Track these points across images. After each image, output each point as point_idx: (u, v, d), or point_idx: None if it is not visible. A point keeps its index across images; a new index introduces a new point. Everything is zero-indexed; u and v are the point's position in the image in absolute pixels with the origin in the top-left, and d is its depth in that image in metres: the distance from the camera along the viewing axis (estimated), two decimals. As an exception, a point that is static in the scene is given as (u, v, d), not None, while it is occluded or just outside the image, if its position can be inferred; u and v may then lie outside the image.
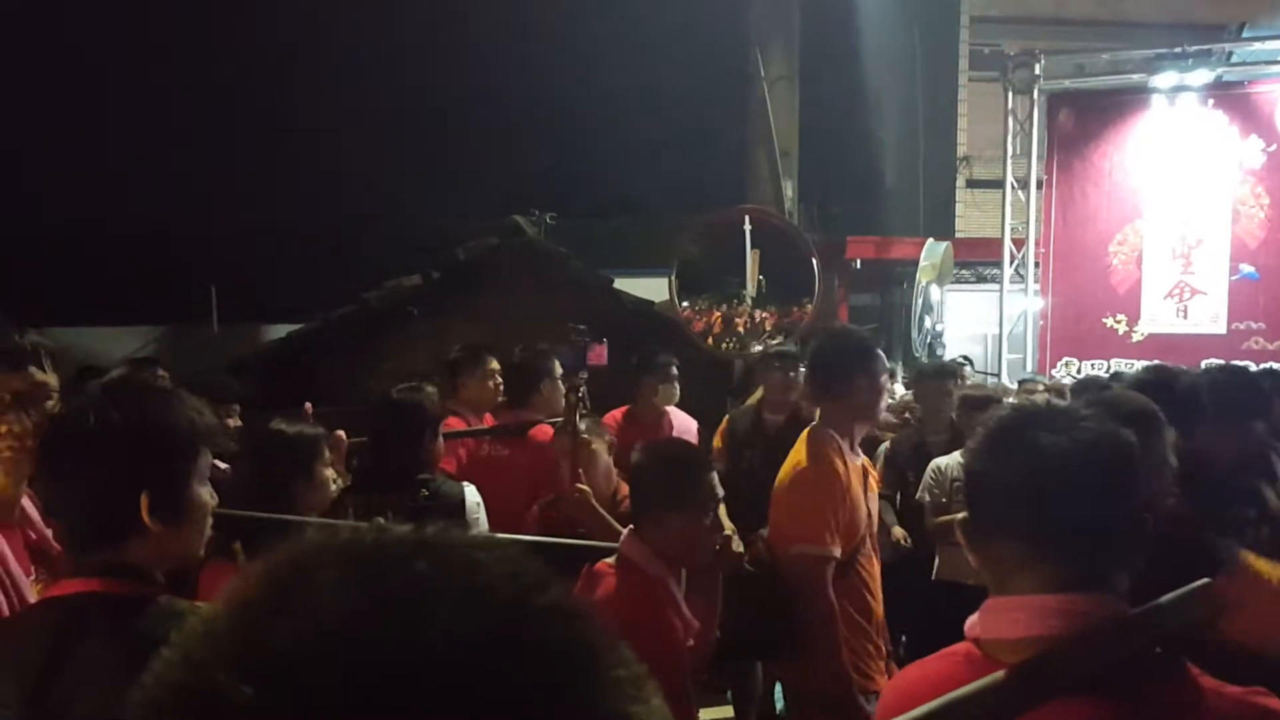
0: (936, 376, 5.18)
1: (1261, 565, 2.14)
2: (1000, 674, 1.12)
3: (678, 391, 5.34)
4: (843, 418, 3.14)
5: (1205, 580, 1.21)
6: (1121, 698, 1.15)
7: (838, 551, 2.95)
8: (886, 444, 5.05)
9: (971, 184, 12.76)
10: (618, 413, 5.26)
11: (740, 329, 8.07)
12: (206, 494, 1.56)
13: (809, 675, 2.99)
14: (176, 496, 1.50)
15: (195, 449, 1.54)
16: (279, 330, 8.69)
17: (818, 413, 3.25)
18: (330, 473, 2.89)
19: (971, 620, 1.29)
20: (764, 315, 8.13)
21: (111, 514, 1.45)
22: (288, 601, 0.45)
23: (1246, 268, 8.01)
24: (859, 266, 11.28)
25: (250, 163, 12.00)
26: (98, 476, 1.45)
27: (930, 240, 9.77)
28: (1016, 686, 1.11)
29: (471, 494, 3.34)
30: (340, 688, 0.42)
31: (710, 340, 8.04)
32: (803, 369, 4.62)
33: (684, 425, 5.27)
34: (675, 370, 5.32)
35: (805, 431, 3.21)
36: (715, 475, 2.63)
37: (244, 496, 2.54)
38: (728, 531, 2.84)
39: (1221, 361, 8.17)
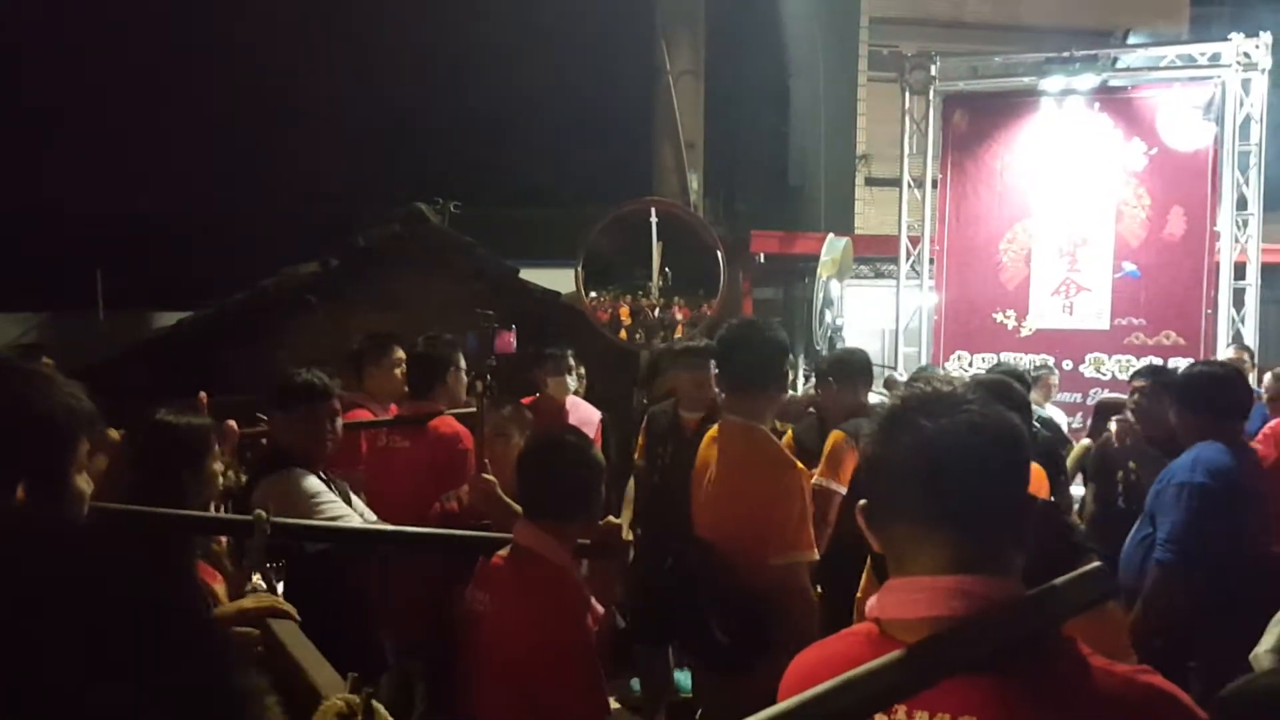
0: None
1: None
2: (898, 653, 1.15)
3: (572, 383, 5.32)
4: (768, 411, 3.18)
5: (1098, 564, 1.26)
6: (1014, 677, 1.18)
7: (817, 553, 3.01)
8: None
9: (871, 182, 13.02)
10: (524, 403, 5.24)
11: (646, 320, 8.11)
12: (84, 483, 1.48)
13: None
14: (56, 487, 1.42)
15: (75, 436, 1.45)
16: (169, 318, 8.40)
17: (726, 405, 3.26)
18: (220, 466, 2.80)
19: (872, 600, 1.32)
20: (671, 307, 8.19)
21: None
22: None
23: (1129, 265, 8.35)
24: (763, 260, 11.41)
25: (140, 142, 11.54)
26: None
27: (831, 236, 9.96)
28: (913, 665, 1.14)
29: (306, 485, 3.27)
30: None
31: (623, 333, 8.06)
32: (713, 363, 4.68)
33: (584, 416, 5.27)
34: (571, 362, 5.31)
35: (732, 428, 3.18)
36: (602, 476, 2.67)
37: (128, 491, 2.42)
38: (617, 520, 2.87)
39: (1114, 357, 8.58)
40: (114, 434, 2.61)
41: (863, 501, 1.35)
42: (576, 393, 5.79)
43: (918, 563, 1.26)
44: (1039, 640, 1.21)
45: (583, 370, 6.01)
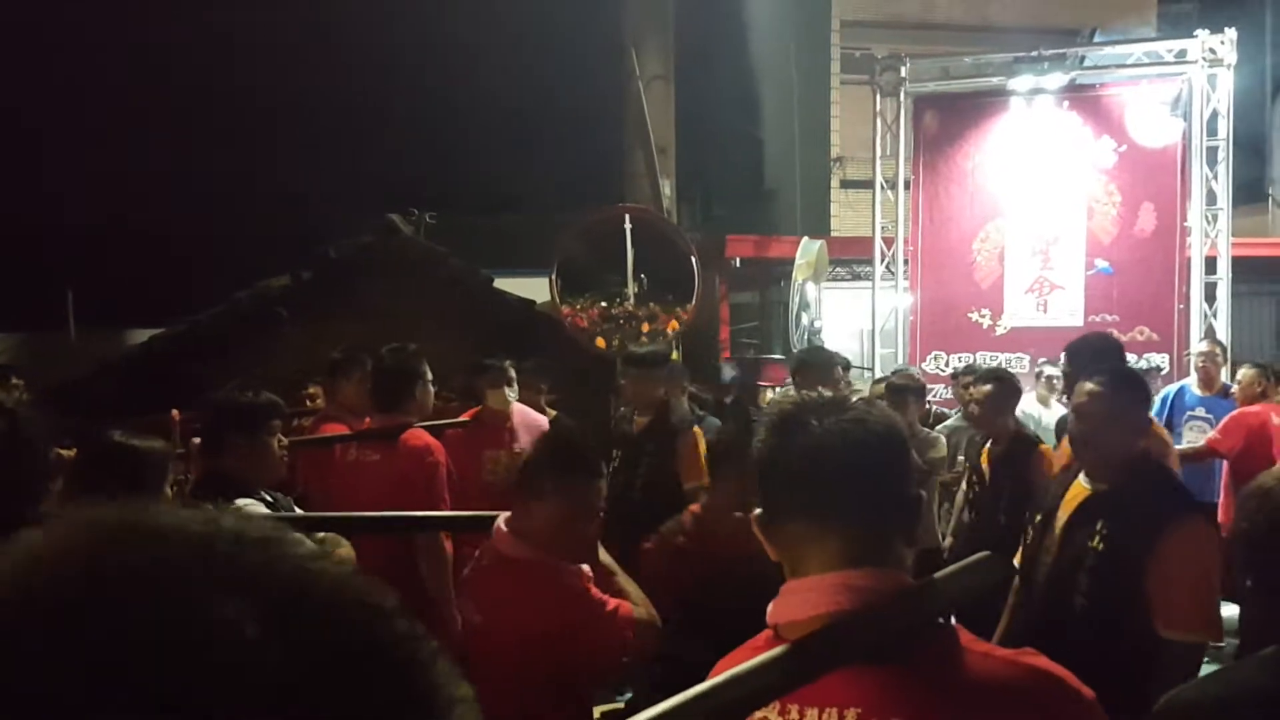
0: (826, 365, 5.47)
1: None
2: (782, 648, 1.14)
3: (512, 395, 5.18)
4: None
5: (985, 553, 1.26)
6: (898, 668, 1.20)
7: None
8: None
9: (845, 184, 13.07)
10: (465, 415, 5.14)
11: (623, 328, 8.09)
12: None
13: None
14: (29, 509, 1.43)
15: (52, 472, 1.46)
16: (141, 335, 8.33)
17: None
18: (169, 493, 2.70)
19: (770, 606, 1.33)
20: (648, 313, 8.16)
21: None
22: None
23: (1101, 262, 8.41)
24: (739, 265, 11.43)
25: (108, 157, 11.44)
26: None
27: (806, 239, 9.97)
28: (796, 660, 1.12)
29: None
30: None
31: (603, 340, 8.03)
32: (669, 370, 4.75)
33: (532, 422, 5.12)
34: (510, 374, 5.18)
35: None
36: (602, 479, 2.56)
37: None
38: None
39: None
40: (66, 454, 2.56)
41: (757, 510, 1.36)
42: (552, 404, 5.75)
43: (810, 563, 1.28)
44: (922, 630, 1.23)
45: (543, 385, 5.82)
